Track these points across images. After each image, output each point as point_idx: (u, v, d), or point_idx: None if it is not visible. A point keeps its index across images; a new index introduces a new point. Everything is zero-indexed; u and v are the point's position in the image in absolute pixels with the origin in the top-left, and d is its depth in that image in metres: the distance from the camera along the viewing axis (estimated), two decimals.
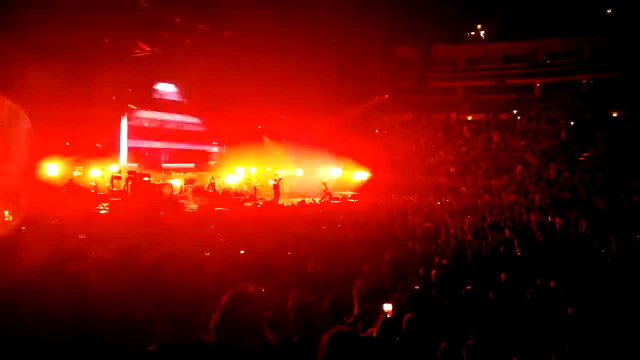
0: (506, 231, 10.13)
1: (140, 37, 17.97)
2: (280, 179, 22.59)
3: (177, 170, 25.63)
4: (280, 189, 22.01)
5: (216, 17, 21.07)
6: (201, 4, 19.22)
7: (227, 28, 22.15)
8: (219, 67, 25.55)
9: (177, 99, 26.64)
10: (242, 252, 7.50)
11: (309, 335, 3.10)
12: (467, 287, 5.50)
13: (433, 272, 6.16)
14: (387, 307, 3.78)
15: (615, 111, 28.20)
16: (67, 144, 20.47)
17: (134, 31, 18.07)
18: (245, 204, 20.07)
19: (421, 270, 6.45)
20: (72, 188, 19.07)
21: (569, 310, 4.92)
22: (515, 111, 31.41)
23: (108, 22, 18.62)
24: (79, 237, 8.32)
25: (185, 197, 21.21)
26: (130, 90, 17.98)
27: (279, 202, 19.84)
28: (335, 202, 21.07)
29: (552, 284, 5.73)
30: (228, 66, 25.68)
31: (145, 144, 26.49)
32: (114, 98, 22.09)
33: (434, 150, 29.87)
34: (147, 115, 25.78)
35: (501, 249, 8.40)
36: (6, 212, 13.47)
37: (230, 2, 18.61)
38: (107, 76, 21.45)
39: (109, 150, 22.63)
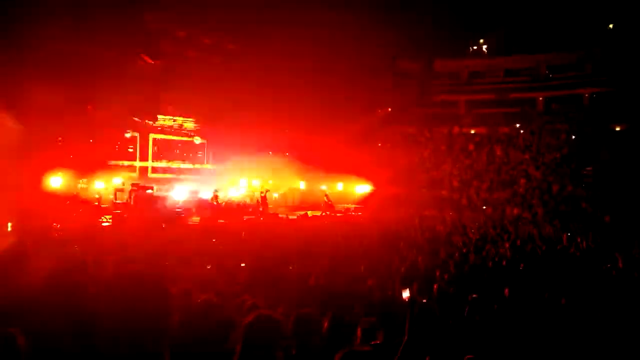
0: (508, 245, 10.07)
1: (145, 51, 18.11)
2: (267, 191, 23.75)
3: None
4: (268, 201, 23.31)
5: (219, 31, 21.27)
6: (205, 19, 19.43)
7: (230, 42, 22.35)
8: (221, 80, 25.69)
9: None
10: (243, 265, 7.48)
11: (308, 349, 3.07)
12: (470, 301, 5.44)
13: (435, 286, 6.11)
14: (406, 293, 3.77)
15: (617, 125, 28.20)
16: (71, 156, 20.55)
17: (138, 44, 18.23)
18: (248, 217, 20.07)
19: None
20: (76, 201, 19.10)
21: (574, 324, 4.87)
22: (517, 125, 31.44)
23: (113, 35, 18.81)
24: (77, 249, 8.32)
25: (188, 210, 21.14)
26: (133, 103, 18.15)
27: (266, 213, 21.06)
28: (338, 215, 21.04)
29: (563, 301, 5.67)
30: (231, 80, 25.83)
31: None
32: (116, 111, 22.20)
33: (437, 163, 29.82)
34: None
35: (504, 262, 8.35)
36: (9, 225, 13.49)
37: (233, 17, 18.80)
38: (111, 90, 21.61)
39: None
